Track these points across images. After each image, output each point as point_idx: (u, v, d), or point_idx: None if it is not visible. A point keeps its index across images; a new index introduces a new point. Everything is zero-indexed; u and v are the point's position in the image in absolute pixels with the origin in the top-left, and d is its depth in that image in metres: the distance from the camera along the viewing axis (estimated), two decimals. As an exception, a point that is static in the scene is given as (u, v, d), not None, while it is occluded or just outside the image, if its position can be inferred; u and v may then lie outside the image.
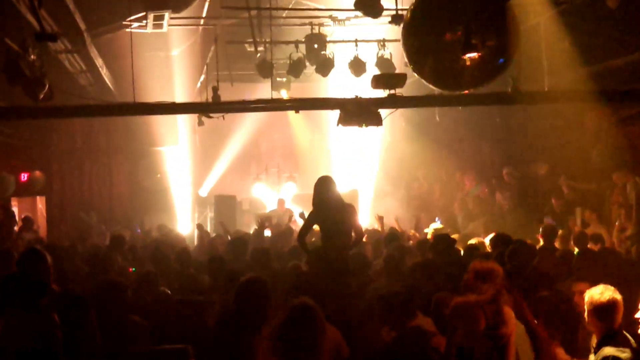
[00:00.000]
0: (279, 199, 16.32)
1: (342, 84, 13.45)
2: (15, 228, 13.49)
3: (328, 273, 7.08)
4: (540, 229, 9.94)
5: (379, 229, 11.45)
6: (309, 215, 8.09)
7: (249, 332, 4.82)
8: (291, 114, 16.33)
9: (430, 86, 8.53)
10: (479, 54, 7.36)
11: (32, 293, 4.73)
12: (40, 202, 14.78)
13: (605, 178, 11.72)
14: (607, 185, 11.71)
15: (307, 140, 18.82)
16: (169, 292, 6.79)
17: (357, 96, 10.11)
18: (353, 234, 7.90)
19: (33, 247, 6.71)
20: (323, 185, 7.81)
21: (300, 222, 12.63)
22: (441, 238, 8.40)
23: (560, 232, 10.02)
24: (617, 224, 11.03)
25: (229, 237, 10.96)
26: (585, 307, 4.79)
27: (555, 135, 13.45)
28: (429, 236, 10.40)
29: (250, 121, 17.78)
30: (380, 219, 11.67)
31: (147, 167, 17.79)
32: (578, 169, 12.59)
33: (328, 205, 7.69)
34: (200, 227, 12.95)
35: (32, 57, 9.59)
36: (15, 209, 15.21)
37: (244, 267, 7.64)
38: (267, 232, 11.88)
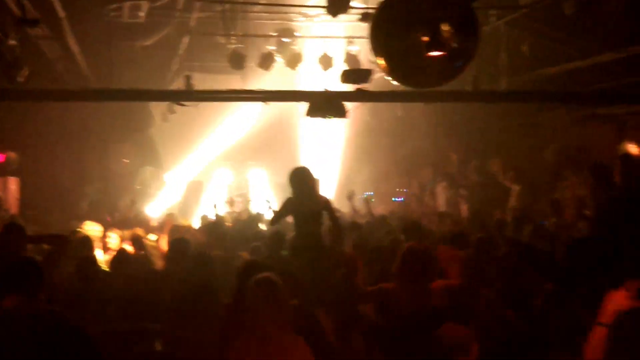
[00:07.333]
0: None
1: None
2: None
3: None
4: None
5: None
6: (285, 204, 8.21)
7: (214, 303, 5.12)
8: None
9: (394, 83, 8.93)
10: (444, 52, 7.68)
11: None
12: (14, 183, 14.86)
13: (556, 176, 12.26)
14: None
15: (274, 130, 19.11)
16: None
17: (325, 89, 10.51)
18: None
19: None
20: (301, 176, 8.04)
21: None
22: None
23: None
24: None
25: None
26: None
27: (510, 133, 14.01)
28: None
29: (219, 110, 18.22)
30: (351, 196, 12.10)
31: (117, 152, 18.13)
32: (530, 166, 13.13)
33: (302, 196, 7.90)
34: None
35: (12, 42, 9.87)
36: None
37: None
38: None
